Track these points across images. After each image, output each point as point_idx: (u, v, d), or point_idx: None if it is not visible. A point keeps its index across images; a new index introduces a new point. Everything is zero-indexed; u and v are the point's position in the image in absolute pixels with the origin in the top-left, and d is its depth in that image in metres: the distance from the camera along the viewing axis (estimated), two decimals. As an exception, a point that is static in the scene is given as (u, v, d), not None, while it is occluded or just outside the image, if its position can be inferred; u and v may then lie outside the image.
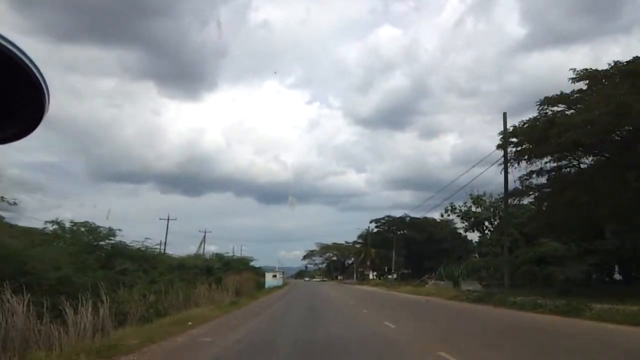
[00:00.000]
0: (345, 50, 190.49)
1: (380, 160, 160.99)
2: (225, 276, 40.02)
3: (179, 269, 30.46)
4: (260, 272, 63.87)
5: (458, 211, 44.86)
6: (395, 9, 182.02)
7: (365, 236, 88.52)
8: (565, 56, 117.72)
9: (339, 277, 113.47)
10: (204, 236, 76.98)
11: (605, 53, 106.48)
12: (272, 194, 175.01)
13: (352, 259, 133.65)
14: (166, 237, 58.22)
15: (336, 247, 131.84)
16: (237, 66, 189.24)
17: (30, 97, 1.29)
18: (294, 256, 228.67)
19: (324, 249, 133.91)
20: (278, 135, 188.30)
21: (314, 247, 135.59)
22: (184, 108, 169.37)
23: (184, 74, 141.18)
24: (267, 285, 61.08)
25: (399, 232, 74.71)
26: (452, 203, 44.36)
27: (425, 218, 71.80)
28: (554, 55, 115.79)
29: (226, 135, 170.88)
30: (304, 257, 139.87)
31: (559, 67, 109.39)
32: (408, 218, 71.04)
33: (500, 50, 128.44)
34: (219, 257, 52.20)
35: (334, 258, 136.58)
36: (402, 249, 77.77)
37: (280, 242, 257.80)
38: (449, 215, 46.44)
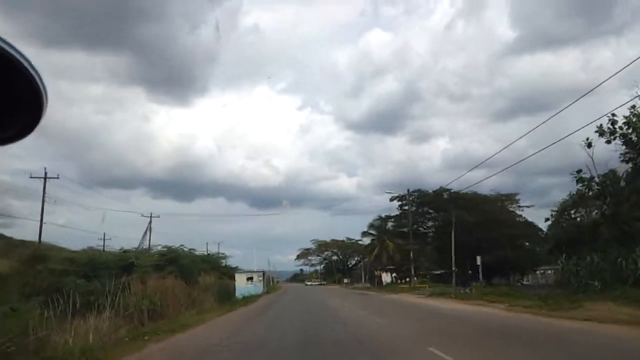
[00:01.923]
0: (336, 54, 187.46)
1: (372, 164, 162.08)
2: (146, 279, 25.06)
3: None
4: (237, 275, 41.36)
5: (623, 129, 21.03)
6: (386, 13, 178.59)
7: (380, 224, 65.69)
8: (555, 59, 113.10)
9: (344, 281, 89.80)
10: (149, 224, 53.87)
11: (596, 56, 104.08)
12: (264, 199, 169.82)
13: (357, 258, 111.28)
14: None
15: (336, 244, 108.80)
16: (228, 71, 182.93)
17: (28, 99, 1.29)
18: (288, 260, 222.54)
19: (322, 246, 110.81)
20: (269, 141, 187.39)
21: (310, 246, 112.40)
22: (174, 113, 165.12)
23: (174, 79, 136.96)
24: (238, 293, 38.18)
25: (431, 213, 52.02)
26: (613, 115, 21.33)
27: (475, 193, 49.38)
28: (545, 58, 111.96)
29: (217, 140, 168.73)
30: (298, 257, 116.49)
31: (550, 70, 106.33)
32: (449, 192, 48.36)
33: (490, 53, 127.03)
34: (160, 252, 37.65)
35: (334, 257, 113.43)
36: (436, 240, 55.00)
37: (274, 246, 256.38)
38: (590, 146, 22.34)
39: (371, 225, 66.89)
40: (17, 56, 1.20)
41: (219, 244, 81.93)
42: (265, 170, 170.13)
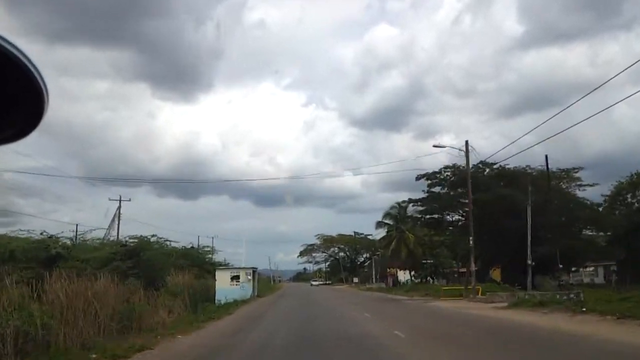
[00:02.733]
0: (341, 50, 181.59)
1: (377, 161, 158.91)
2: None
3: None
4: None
5: None
6: (392, 7, 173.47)
7: (398, 213, 55.25)
8: (563, 54, 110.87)
9: (353, 280, 79.25)
10: (118, 209, 43.84)
11: (604, 51, 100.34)
12: (268, 197, 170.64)
13: (366, 254, 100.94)
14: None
15: (343, 239, 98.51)
16: (233, 67, 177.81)
17: (29, 98, 1.29)
18: (291, 259, 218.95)
19: (328, 241, 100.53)
20: (274, 137, 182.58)
21: (315, 241, 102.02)
22: (178, 110, 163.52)
23: (179, 75, 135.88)
24: (219, 297, 28.25)
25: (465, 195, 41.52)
26: None
27: (526, 169, 39.10)
28: (552, 53, 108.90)
29: (222, 137, 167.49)
30: (301, 254, 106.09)
31: (557, 65, 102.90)
32: (493, 167, 38.07)
33: (497, 48, 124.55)
34: (119, 242, 30.97)
35: (341, 254, 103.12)
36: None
37: (277, 244, 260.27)
38: None
39: (387, 215, 56.55)
40: (16, 53, 1.16)
41: (212, 238, 72.06)
42: (269, 167, 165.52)
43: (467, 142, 29.49)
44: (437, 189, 41.53)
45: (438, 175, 40.75)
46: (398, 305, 23.21)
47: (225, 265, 35.34)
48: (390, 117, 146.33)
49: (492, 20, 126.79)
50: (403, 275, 63.24)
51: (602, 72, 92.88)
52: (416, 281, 59.56)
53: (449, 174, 40.59)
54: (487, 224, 41.60)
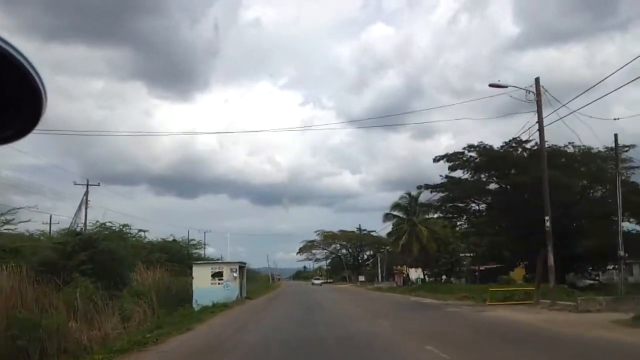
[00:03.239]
0: (338, 49, 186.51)
1: (375, 161, 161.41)
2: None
3: None
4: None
5: None
6: (388, 7, 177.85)
7: (408, 204, 49.17)
8: (559, 55, 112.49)
9: (359, 279, 73.01)
10: (85, 196, 38.05)
11: (600, 51, 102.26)
12: (267, 196, 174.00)
13: (369, 252, 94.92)
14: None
15: (345, 235, 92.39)
16: (229, 66, 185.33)
17: (27, 97, 1.27)
18: (291, 258, 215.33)
19: (328, 238, 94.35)
20: (272, 136, 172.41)
21: (315, 237, 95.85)
22: (175, 109, 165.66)
23: (175, 74, 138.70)
24: (197, 299, 22.37)
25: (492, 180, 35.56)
26: None
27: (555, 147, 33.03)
28: (548, 53, 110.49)
29: (219, 136, 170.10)
30: (301, 251, 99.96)
31: (553, 65, 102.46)
32: (525, 145, 32.01)
33: (493, 48, 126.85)
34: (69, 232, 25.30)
35: (343, 251, 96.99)
36: (492, 220, 38.62)
37: (277, 243, 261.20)
38: None
39: (396, 206, 50.40)
40: (14, 53, 1.15)
41: (205, 232, 66.13)
42: (267, 166, 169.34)
43: (537, 79, 23.25)
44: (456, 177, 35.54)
45: (460, 157, 34.67)
46: (449, 318, 15.56)
47: (209, 260, 29.37)
48: (388, 117, 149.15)
49: (488, 20, 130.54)
50: (415, 274, 57.31)
51: (598, 73, 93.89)
52: (428, 280, 53.67)
53: (473, 154, 34.51)
54: (503, 217, 35.63)
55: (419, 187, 35.59)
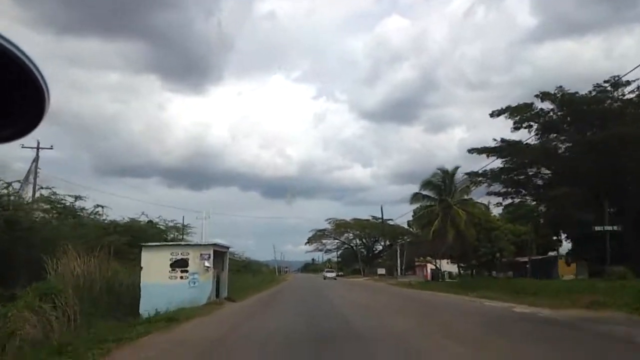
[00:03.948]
0: (352, 41, 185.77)
1: (387, 154, 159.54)
2: None
3: None
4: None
5: None
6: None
7: (442, 181, 40.00)
8: (577, 47, 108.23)
9: (378, 272, 63.57)
10: (35, 161, 29.57)
11: (619, 44, 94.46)
12: (277, 189, 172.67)
13: (383, 242, 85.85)
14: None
15: (359, 224, 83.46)
16: (243, 59, 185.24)
17: (30, 96, 1.27)
18: (300, 250, 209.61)
19: (340, 226, 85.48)
20: (284, 129, 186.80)
21: (326, 226, 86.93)
22: (189, 102, 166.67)
23: (189, 67, 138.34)
24: (146, 302, 13.10)
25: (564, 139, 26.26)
26: None
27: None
28: (566, 45, 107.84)
29: (232, 129, 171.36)
30: (309, 241, 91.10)
31: (571, 58, 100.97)
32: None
33: (510, 41, 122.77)
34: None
35: (356, 241, 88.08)
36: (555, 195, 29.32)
37: (285, 236, 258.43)
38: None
39: (427, 184, 41.12)
40: (16, 52, 1.14)
41: (203, 218, 57.35)
42: (279, 159, 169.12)
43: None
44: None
45: (528, 110, 25.45)
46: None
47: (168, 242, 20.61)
48: (401, 110, 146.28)
49: (505, 12, 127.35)
50: (446, 266, 48.38)
51: (617, 65, 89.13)
52: (463, 273, 44.58)
53: (546, 105, 25.25)
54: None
55: (471, 151, 26.36)
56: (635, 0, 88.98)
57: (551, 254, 45.06)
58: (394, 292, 26.36)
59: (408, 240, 62.52)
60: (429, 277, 46.96)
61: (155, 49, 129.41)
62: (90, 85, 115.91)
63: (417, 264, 62.32)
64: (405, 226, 66.09)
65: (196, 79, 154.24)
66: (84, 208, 24.84)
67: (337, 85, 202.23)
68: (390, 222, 74.97)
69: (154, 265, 15.49)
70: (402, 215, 67.04)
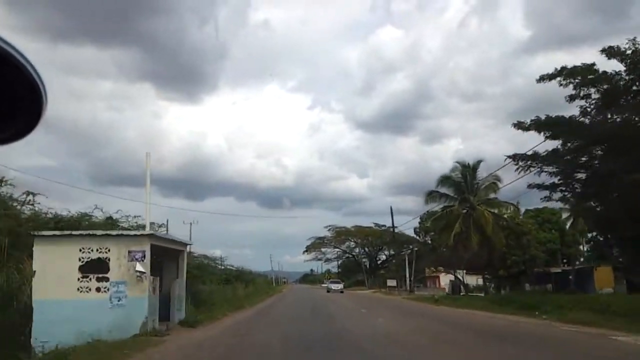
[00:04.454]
0: (346, 52, 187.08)
1: (383, 165, 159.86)
2: None
3: None
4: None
5: None
6: (397, 9, 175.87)
7: (463, 176, 34.02)
8: (570, 58, 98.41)
9: (388, 284, 56.36)
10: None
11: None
12: (273, 199, 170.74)
13: (387, 251, 79.65)
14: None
15: (362, 232, 77.22)
16: (238, 68, 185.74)
17: (28, 98, 1.26)
18: (298, 261, 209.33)
19: (341, 234, 79.22)
20: (279, 139, 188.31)
21: (325, 233, 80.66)
22: (184, 111, 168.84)
23: (184, 76, 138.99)
24: (40, 332, 6.68)
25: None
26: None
27: None
28: (559, 57, 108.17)
29: (227, 138, 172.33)
30: (308, 250, 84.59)
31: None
32: None
33: (504, 52, 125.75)
34: None
35: (358, 250, 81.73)
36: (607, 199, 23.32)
37: (283, 247, 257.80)
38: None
39: (445, 180, 35.12)
40: (15, 53, 1.13)
41: (190, 224, 51.62)
42: (274, 169, 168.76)
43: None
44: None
45: (591, 69, 19.62)
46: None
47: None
48: (396, 120, 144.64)
49: (498, 23, 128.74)
50: (472, 279, 42.32)
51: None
52: (487, 285, 38.32)
53: (616, 66, 19.40)
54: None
55: (517, 125, 20.41)
56: (628, 11, 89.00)
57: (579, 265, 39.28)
58: (425, 312, 20.07)
59: (415, 248, 56.34)
60: (447, 290, 40.89)
61: (150, 57, 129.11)
62: (84, 93, 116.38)
63: (430, 274, 56.23)
64: (412, 234, 60.10)
65: (191, 88, 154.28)
66: (11, 195, 18.96)
67: (332, 95, 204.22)
68: (395, 230, 68.97)
69: (54, 269, 9.53)
70: (407, 221, 61.01)
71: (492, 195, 34.37)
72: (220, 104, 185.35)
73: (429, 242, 67.39)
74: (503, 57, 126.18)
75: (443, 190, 35.59)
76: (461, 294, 36.73)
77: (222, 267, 37.94)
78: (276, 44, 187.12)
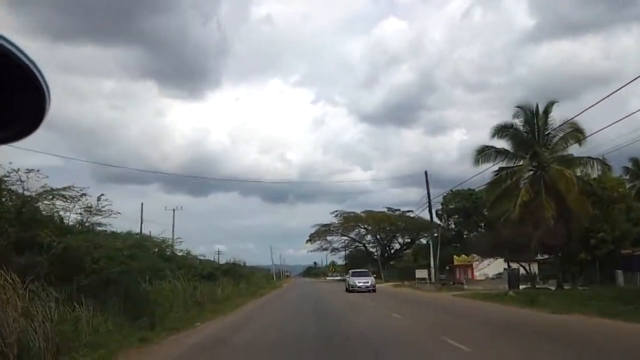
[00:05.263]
0: (349, 44, 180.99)
1: (387, 157, 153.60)
2: None
3: None
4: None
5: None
6: (401, 0, 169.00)
7: (529, 128, 24.46)
8: (575, 47, 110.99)
9: (417, 276, 45.78)
10: None
11: (617, 43, 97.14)
12: (278, 193, 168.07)
13: (402, 239, 70.30)
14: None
15: (373, 217, 67.68)
16: (241, 64, 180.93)
17: (31, 97, 1.26)
18: (301, 255, 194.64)
19: (350, 220, 69.59)
20: (283, 134, 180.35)
21: (332, 219, 70.97)
22: (187, 108, 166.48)
23: (186, 72, 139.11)
24: None
25: None
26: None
27: None
28: (564, 46, 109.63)
29: (231, 134, 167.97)
30: (311, 238, 74.74)
31: (569, 58, 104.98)
32: None
33: (508, 42, 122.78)
34: None
35: (370, 238, 72.08)
36: None
37: (286, 241, 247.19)
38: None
39: (501, 130, 25.56)
40: (17, 52, 1.13)
41: (173, 210, 42.47)
42: (278, 164, 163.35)
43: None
44: None
45: None
46: None
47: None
48: (400, 113, 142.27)
49: (503, 13, 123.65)
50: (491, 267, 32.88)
51: (616, 65, 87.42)
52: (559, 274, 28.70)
53: None
54: None
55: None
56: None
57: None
58: (553, 332, 10.34)
59: (435, 234, 46.93)
60: (492, 282, 31.42)
61: (152, 54, 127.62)
62: (86, 92, 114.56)
63: (458, 263, 46.79)
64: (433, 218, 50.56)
65: (194, 85, 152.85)
66: None
67: (336, 89, 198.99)
68: (411, 214, 59.68)
69: None
70: (435, 197, 51.09)
71: (569, 151, 24.89)
72: (224, 100, 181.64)
73: (453, 226, 58.43)
74: (508, 46, 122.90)
75: (500, 144, 26.03)
76: (520, 287, 27.18)
77: (200, 259, 29.57)
78: (279, 38, 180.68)
